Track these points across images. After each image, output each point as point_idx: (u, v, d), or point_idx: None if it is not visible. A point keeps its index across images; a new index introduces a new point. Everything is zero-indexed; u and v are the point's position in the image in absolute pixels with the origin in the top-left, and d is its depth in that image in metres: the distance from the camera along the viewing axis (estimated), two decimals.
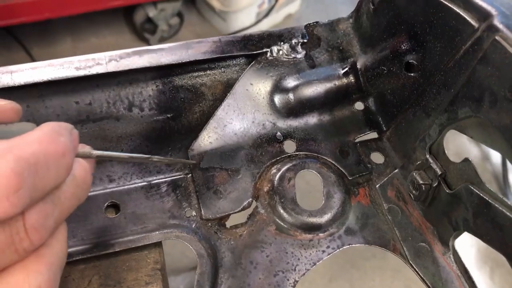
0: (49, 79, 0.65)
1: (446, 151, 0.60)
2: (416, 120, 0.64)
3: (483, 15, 0.52)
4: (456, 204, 0.59)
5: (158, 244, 0.64)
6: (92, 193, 0.65)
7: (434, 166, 0.60)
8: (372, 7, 0.69)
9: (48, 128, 0.40)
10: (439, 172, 0.60)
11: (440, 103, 0.59)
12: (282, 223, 0.65)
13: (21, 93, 0.66)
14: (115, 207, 0.65)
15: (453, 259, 0.63)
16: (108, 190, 0.66)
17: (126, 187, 0.66)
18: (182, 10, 2.78)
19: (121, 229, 0.63)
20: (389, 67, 0.66)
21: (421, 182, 0.62)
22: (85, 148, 0.50)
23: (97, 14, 2.66)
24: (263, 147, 0.70)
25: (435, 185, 0.61)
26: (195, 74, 0.74)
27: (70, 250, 0.61)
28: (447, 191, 0.59)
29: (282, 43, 0.73)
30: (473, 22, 0.53)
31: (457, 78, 0.56)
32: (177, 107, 0.72)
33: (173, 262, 1.94)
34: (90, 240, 0.62)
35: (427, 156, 0.61)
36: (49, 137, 0.39)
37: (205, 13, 2.95)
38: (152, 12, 2.64)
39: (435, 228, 0.64)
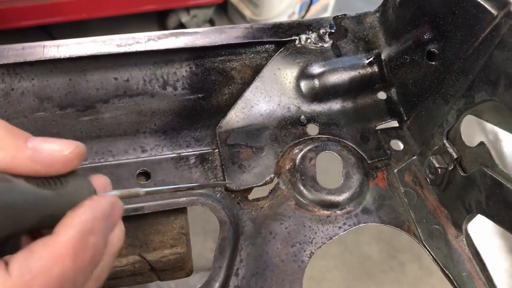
0: (92, 53, 0.70)
1: (462, 137, 0.63)
2: (435, 107, 0.67)
3: (502, 3, 0.55)
4: (470, 187, 0.61)
5: (184, 211, 0.68)
6: (125, 161, 0.70)
7: (450, 150, 0.63)
8: (398, 0, 0.72)
9: (76, 232, 0.39)
10: (455, 156, 0.62)
11: (458, 89, 0.62)
12: (301, 199, 0.68)
13: (65, 67, 0.71)
14: (146, 174, 0.69)
15: (465, 242, 0.65)
16: (140, 159, 0.70)
17: (157, 157, 0.70)
18: (213, 17, 2.85)
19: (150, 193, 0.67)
20: (412, 56, 0.69)
21: (437, 165, 0.65)
22: (133, 190, 0.50)
23: (131, 17, 2.75)
24: (287, 129, 0.73)
25: (450, 168, 0.63)
26: (226, 58, 0.78)
27: None
28: (462, 174, 0.62)
29: (310, 32, 0.77)
30: (492, 10, 0.56)
31: (475, 64, 0.59)
32: (208, 88, 0.77)
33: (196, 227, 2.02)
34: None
35: (444, 141, 0.64)
36: (76, 250, 0.38)
37: (236, 21, 3.02)
38: (184, 18, 2.71)
39: (449, 212, 0.66)
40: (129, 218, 0.66)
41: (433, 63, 0.67)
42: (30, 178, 0.38)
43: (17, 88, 0.72)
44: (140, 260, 0.64)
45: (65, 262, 0.37)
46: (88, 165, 0.69)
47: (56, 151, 0.39)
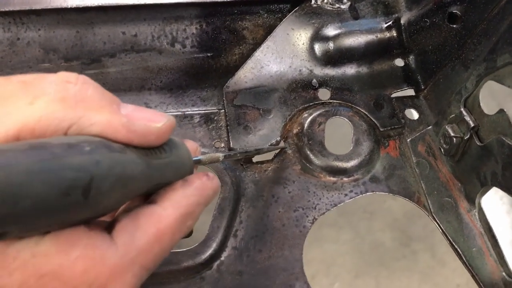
0: (100, 4, 0.68)
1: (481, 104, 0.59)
2: (454, 74, 0.64)
3: None
4: (486, 158, 0.57)
5: None
6: None
7: (467, 118, 0.60)
8: None
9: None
10: (472, 125, 0.59)
11: (480, 53, 0.58)
12: (307, 164, 0.65)
13: (72, 18, 0.69)
14: None
15: (477, 217, 0.61)
16: None
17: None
18: None
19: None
20: (432, 19, 0.65)
21: (452, 134, 0.61)
22: (214, 155, 0.49)
23: None
24: (297, 92, 0.70)
25: (466, 138, 0.60)
26: (238, 17, 0.75)
27: None
28: (478, 143, 0.58)
29: None
30: None
31: (499, 25, 0.55)
32: (218, 47, 0.74)
33: None
34: None
35: (462, 109, 0.60)
36: (175, 230, 0.38)
37: None
38: None
39: (463, 185, 0.63)
40: None
41: (454, 26, 0.63)
42: (133, 147, 0.35)
43: (23, 38, 0.70)
44: None
45: (165, 241, 0.37)
46: None
47: (150, 121, 0.37)
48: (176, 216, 0.37)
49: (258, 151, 0.61)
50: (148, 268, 0.36)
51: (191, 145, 0.44)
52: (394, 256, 2.26)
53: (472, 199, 0.62)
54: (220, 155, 0.49)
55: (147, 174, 0.36)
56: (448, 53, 0.65)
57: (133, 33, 0.73)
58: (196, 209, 0.39)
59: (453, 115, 0.62)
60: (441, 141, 0.64)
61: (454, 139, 0.61)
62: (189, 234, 0.68)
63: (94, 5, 0.68)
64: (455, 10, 0.62)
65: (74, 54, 0.71)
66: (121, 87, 0.71)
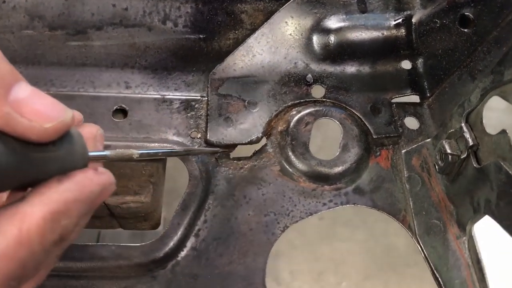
0: None
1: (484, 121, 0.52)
2: (460, 84, 0.57)
3: None
4: (482, 182, 0.51)
5: (159, 160, 0.62)
6: (104, 94, 0.64)
7: (467, 135, 0.53)
8: None
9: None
10: (471, 143, 0.52)
11: (488, 64, 0.52)
12: (287, 166, 0.60)
13: None
14: (123, 112, 0.63)
15: (467, 246, 0.55)
16: (121, 95, 0.64)
17: (139, 95, 0.64)
18: None
19: (123, 133, 0.61)
20: (443, 20, 0.58)
21: (449, 151, 0.54)
22: (127, 151, 0.44)
23: None
24: (289, 86, 0.65)
25: (463, 157, 0.53)
26: None
27: None
28: (474, 165, 0.52)
29: None
30: None
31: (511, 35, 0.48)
32: (212, 30, 0.69)
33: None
34: None
35: (462, 124, 0.54)
36: (43, 231, 0.33)
37: None
38: None
39: (455, 209, 0.57)
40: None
41: (465, 30, 0.56)
42: (9, 136, 0.31)
43: (9, 1, 0.66)
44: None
45: (32, 244, 0.31)
46: (65, 92, 0.64)
47: (39, 117, 0.32)
48: (43, 214, 0.32)
49: (188, 152, 0.57)
50: (15, 277, 0.31)
51: (90, 131, 0.39)
52: (406, 262, 2.18)
53: (463, 225, 0.55)
54: (135, 153, 0.43)
55: (19, 168, 0.31)
56: (457, 60, 0.58)
57: (124, 6, 0.68)
58: (73, 207, 0.34)
59: (453, 129, 0.56)
60: (437, 156, 0.57)
61: (450, 156, 0.54)
62: (155, 226, 0.64)
63: None
64: (467, 12, 0.55)
65: (60, 23, 0.67)
66: (103, 63, 0.66)
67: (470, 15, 0.55)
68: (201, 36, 0.68)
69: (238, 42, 0.69)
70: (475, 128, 0.53)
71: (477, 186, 0.52)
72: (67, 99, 0.63)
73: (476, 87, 0.53)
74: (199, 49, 0.68)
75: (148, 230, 0.65)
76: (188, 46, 0.68)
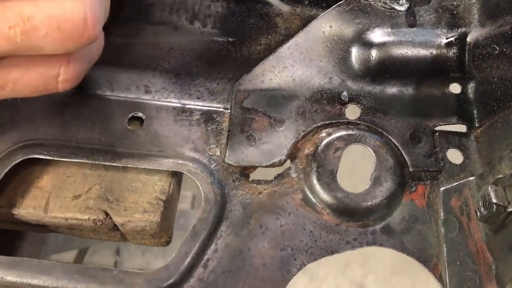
0: None
1: None
2: None
3: None
4: None
5: (173, 174, 0.57)
6: (121, 98, 0.59)
7: None
8: None
9: None
10: None
11: None
12: (311, 195, 0.55)
13: None
14: (139, 120, 0.58)
15: None
16: (139, 101, 0.59)
17: (158, 103, 0.59)
18: None
19: (137, 145, 0.57)
20: (503, 47, 0.51)
21: (494, 200, 0.48)
22: None
23: None
24: (321, 104, 0.59)
25: (510, 210, 0.46)
26: (275, 0, 0.63)
27: (80, 146, 0.56)
28: None
29: None
30: None
31: None
32: (243, 33, 0.63)
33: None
34: (102, 144, 0.57)
35: None
36: None
37: None
38: None
39: (495, 262, 0.50)
40: (108, 166, 0.57)
41: None
42: None
43: None
44: (105, 219, 0.54)
45: None
46: (81, 94, 0.60)
47: None
48: None
49: None
50: None
51: None
52: None
53: (503, 284, 0.49)
54: None
55: None
56: None
57: (151, 1, 0.63)
58: None
59: (502, 175, 0.49)
60: (480, 202, 0.51)
61: (495, 206, 0.48)
62: (166, 243, 0.60)
63: None
64: None
65: None
66: (124, 62, 0.62)
67: None
68: (230, 40, 0.63)
69: (270, 49, 0.63)
70: None
71: None
72: (82, 100, 0.59)
73: None
74: (226, 53, 0.63)
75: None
76: (216, 50, 0.63)
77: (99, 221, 0.55)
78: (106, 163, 0.55)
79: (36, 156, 0.55)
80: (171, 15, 0.63)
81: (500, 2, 0.55)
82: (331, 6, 0.61)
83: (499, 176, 0.49)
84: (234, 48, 0.63)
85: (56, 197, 0.56)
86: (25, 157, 0.54)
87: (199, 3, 0.63)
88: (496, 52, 0.52)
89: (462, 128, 0.59)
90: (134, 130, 0.58)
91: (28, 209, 0.55)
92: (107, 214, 0.55)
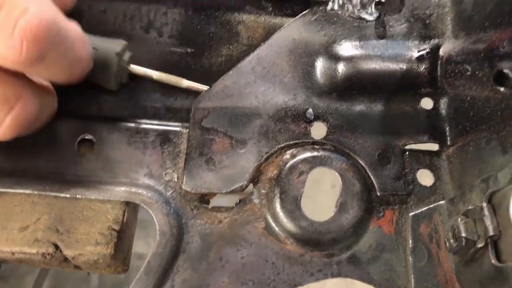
0: None
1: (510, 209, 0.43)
2: (487, 151, 0.47)
3: None
4: (499, 282, 0.42)
5: (128, 202, 0.54)
6: (68, 120, 0.55)
7: (487, 221, 0.43)
8: None
9: None
10: (491, 233, 0.43)
11: None
12: (273, 224, 0.52)
13: None
14: (90, 142, 0.54)
15: None
16: (88, 121, 0.55)
17: (110, 123, 0.55)
18: None
19: (87, 171, 0.53)
20: (475, 69, 0.47)
21: (463, 234, 0.45)
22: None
23: None
24: (285, 123, 0.55)
25: (480, 246, 0.44)
26: (237, 7, 0.59)
27: (25, 174, 0.52)
28: (492, 261, 0.43)
29: None
30: None
31: None
32: (202, 43, 0.59)
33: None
34: (49, 171, 0.53)
35: (484, 204, 0.44)
36: None
37: None
38: None
39: None
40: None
41: (501, 89, 0.45)
42: None
43: None
44: (55, 253, 0.51)
45: None
46: None
47: None
48: None
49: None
50: None
51: None
52: None
53: None
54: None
55: None
56: (487, 117, 0.47)
57: (102, 8, 0.59)
58: None
59: (472, 207, 0.46)
60: (449, 233, 0.48)
61: (464, 240, 0.45)
62: (122, 271, 0.57)
63: None
64: (506, 69, 0.44)
65: None
66: None
67: (510, 73, 0.44)
68: (189, 50, 0.59)
69: (232, 60, 0.59)
70: (499, 213, 0.44)
71: (493, 284, 0.43)
72: None
73: (507, 164, 0.43)
74: (185, 65, 0.59)
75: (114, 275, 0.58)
76: (173, 62, 0.59)
77: (48, 254, 0.51)
78: (54, 194, 0.51)
79: None
80: (124, 23, 0.59)
81: (474, 15, 0.51)
82: (297, 14, 0.57)
83: (469, 207, 0.46)
84: (193, 59, 0.58)
85: (1, 229, 0.52)
86: None
87: (155, 10, 0.59)
88: (469, 73, 0.48)
89: (433, 147, 0.55)
90: (84, 154, 0.53)
91: None
92: (57, 247, 0.51)
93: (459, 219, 0.46)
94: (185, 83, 0.55)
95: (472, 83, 0.48)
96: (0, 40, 0.35)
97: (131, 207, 0.54)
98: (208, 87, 0.55)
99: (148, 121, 0.56)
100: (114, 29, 0.58)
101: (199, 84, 0.55)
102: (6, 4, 0.35)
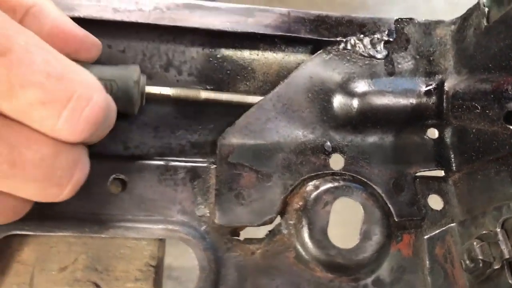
0: (81, 16, 0.55)
1: None
2: (497, 182, 0.52)
3: None
4: None
5: (160, 238, 0.56)
6: (97, 160, 0.56)
7: (502, 245, 0.49)
8: (485, 23, 0.54)
9: None
10: (507, 256, 0.48)
11: None
12: (303, 253, 0.55)
13: None
14: (122, 182, 0.56)
15: None
16: (118, 161, 0.56)
17: (139, 161, 0.57)
18: None
19: (122, 210, 0.55)
20: (485, 108, 0.53)
21: (480, 257, 0.51)
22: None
23: None
24: (306, 155, 0.59)
25: (496, 267, 0.49)
26: (252, 45, 0.62)
27: (63, 217, 0.54)
28: (510, 281, 0.48)
29: (362, 35, 0.60)
30: None
31: None
32: (220, 80, 0.61)
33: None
34: (85, 212, 0.54)
35: (498, 230, 0.50)
36: None
37: None
38: None
39: None
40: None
41: (511, 127, 0.50)
42: None
43: None
44: None
45: None
46: None
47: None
48: None
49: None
50: None
51: None
52: None
53: None
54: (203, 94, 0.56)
55: None
56: (494, 150, 0.53)
57: (121, 48, 0.60)
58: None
59: (485, 231, 0.51)
60: (465, 255, 0.53)
61: (481, 262, 0.51)
62: None
63: (74, 16, 0.55)
64: None
65: None
66: None
67: None
68: (208, 87, 0.61)
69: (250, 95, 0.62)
70: None
71: None
72: None
73: None
74: (205, 102, 0.61)
75: None
76: (194, 99, 0.61)
77: None
78: (93, 235, 0.53)
79: (17, 232, 0.51)
80: (144, 62, 0.60)
81: (477, 55, 0.56)
82: (307, 50, 0.61)
83: (483, 232, 0.52)
84: None
85: (40, 270, 0.53)
86: (4, 235, 0.51)
87: (173, 49, 0.61)
88: (478, 110, 0.53)
89: (441, 173, 0.61)
90: (117, 194, 0.55)
91: (11, 287, 0.52)
92: (97, 285, 0.53)
93: (475, 243, 0.52)
94: (203, 94, 0.57)
95: (480, 119, 0.54)
96: (67, 126, 0.40)
97: (163, 243, 0.57)
98: (224, 93, 0.59)
99: (175, 158, 0.58)
100: None
101: (216, 93, 0.58)
102: (76, 95, 0.40)
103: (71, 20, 0.48)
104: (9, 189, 0.41)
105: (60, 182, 0.43)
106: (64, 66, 0.41)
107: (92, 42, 0.52)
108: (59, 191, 0.44)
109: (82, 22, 0.54)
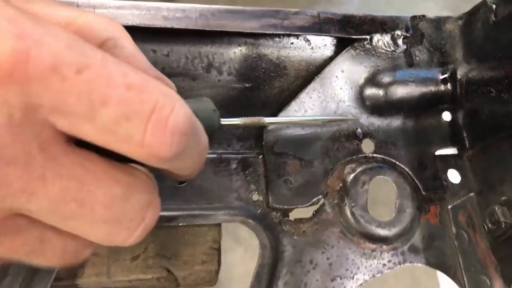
0: (133, 24, 0.60)
1: None
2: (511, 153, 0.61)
3: None
4: None
5: (219, 223, 0.62)
6: None
7: None
8: (493, 18, 0.63)
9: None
10: None
11: None
12: (348, 228, 0.62)
13: None
14: None
15: None
16: None
17: None
18: None
19: (185, 200, 0.60)
20: (500, 92, 0.61)
21: (502, 219, 0.59)
22: (257, 118, 0.58)
23: None
24: (341, 142, 0.66)
25: None
26: (283, 45, 0.68)
27: None
28: None
29: (384, 32, 0.67)
30: None
31: None
32: (257, 78, 0.67)
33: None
34: None
35: None
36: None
37: None
38: None
39: (499, 264, 0.62)
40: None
41: None
42: None
43: None
44: (168, 275, 0.58)
45: None
46: None
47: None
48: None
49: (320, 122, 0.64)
50: None
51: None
52: None
53: (508, 281, 0.61)
54: (266, 120, 0.58)
55: None
56: (508, 127, 0.61)
57: (165, 52, 0.65)
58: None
59: (505, 197, 0.60)
60: (487, 220, 0.62)
61: (504, 223, 0.59)
62: (212, 285, 0.65)
63: (125, 24, 0.59)
64: None
65: None
66: None
67: None
68: (247, 85, 0.67)
69: (284, 91, 0.68)
70: None
71: None
72: None
73: None
74: (245, 99, 0.67)
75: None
76: (234, 96, 0.67)
77: (162, 278, 0.58)
78: (165, 224, 0.58)
79: None
80: (187, 65, 0.66)
81: (485, 46, 0.65)
82: (332, 47, 0.68)
83: (504, 197, 0.60)
84: (252, 93, 0.67)
85: (115, 261, 0.58)
86: None
87: (213, 51, 0.66)
88: (493, 95, 0.62)
89: (454, 151, 0.69)
90: (179, 186, 0.61)
91: (90, 277, 0.57)
92: (168, 270, 0.58)
93: (496, 208, 0.60)
94: (266, 120, 0.59)
95: (495, 102, 0.62)
96: (154, 139, 0.34)
97: (220, 230, 0.62)
98: (284, 117, 0.64)
99: (226, 151, 0.64)
100: (179, 71, 0.65)
101: (278, 118, 0.63)
102: (158, 105, 0.35)
103: (145, 58, 0.45)
104: (73, 230, 0.36)
105: (130, 225, 0.37)
106: (143, 78, 0.36)
107: (165, 83, 0.46)
108: (128, 235, 0.38)
109: (129, 30, 0.59)
